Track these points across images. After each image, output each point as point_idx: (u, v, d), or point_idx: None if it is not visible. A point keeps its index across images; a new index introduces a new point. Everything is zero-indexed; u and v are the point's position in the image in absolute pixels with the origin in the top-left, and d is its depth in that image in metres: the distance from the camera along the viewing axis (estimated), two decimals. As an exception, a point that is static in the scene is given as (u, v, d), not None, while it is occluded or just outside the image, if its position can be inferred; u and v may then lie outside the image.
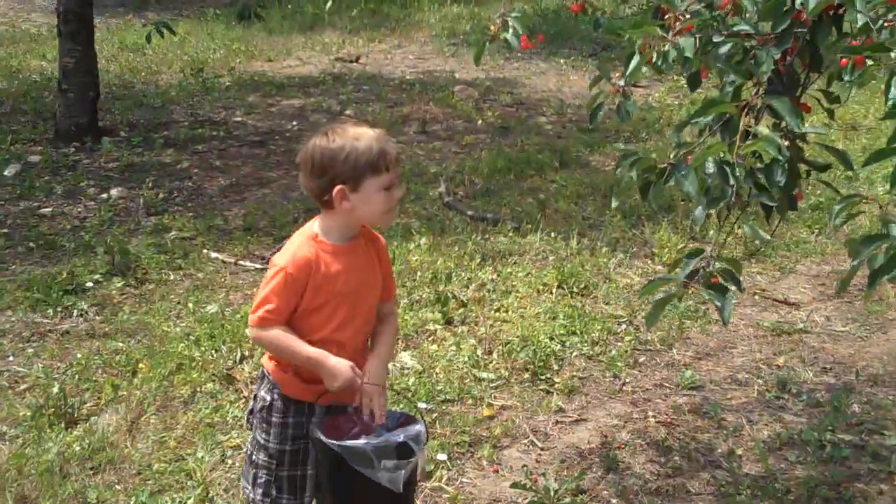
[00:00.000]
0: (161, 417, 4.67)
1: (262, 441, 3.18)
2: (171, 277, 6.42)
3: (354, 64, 13.97)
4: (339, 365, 3.02)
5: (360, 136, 2.98)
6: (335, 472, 2.99)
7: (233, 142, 9.85)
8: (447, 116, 11.10)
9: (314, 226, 3.13)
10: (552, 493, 4.07)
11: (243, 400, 4.79)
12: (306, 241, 3.09)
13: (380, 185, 2.98)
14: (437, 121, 10.89)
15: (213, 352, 5.25)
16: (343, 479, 2.97)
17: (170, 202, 8.03)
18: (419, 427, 3.04)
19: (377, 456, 2.90)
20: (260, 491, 3.20)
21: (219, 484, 4.13)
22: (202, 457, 4.30)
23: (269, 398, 3.16)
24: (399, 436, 2.96)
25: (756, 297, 6.45)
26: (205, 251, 6.86)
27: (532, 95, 12.39)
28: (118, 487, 4.12)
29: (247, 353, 5.23)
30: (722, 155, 2.56)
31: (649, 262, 6.80)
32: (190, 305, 5.90)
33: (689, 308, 5.98)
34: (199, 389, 4.89)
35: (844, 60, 3.00)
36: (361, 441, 2.94)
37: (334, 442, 2.94)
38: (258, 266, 6.61)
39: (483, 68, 13.68)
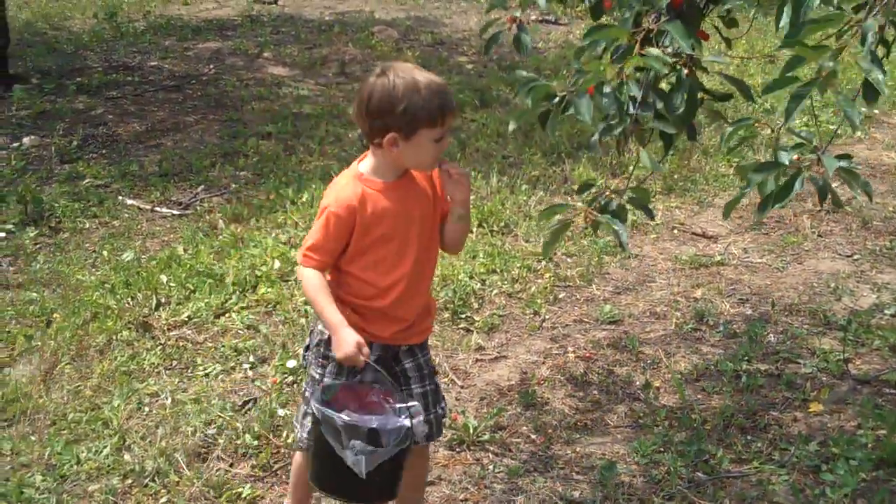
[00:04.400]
0: (76, 367, 4.62)
1: (318, 376, 3.12)
2: (86, 226, 6.33)
3: (273, 5, 13.80)
4: (348, 338, 2.94)
5: (420, 85, 2.86)
6: (319, 435, 2.94)
7: (148, 87, 9.69)
8: (366, 57, 11.01)
9: (359, 165, 3.05)
10: (471, 431, 4.08)
11: (160, 347, 4.75)
12: (351, 180, 3.01)
13: (433, 136, 2.90)
14: (356, 62, 10.80)
15: (130, 300, 5.19)
16: (320, 443, 2.93)
17: (84, 149, 7.88)
18: (403, 423, 2.92)
19: (346, 433, 2.83)
20: (308, 428, 3.16)
21: (136, 432, 4.09)
22: (118, 405, 4.25)
23: (327, 332, 3.07)
24: (374, 422, 2.89)
25: (675, 230, 6.50)
26: (120, 198, 6.77)
27: (453, 35, 12.33)
28: (33, 438, 4.07)
29: (163, 300, 5.18)
30: (603, 71, 2.53)
31: (569, 199, 6.81)
32: (105, 253, 5.83)
33: (609, 243, 6.01)
34: (114, 338, 4.83)
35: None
36: (337, 414, 2.87)
37: (317, 406, 2.89)
38: (175, 212, 6.53)
39: (403, 7, 13.60)
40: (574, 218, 2.77)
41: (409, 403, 3.03)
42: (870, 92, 2.39)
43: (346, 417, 2.87)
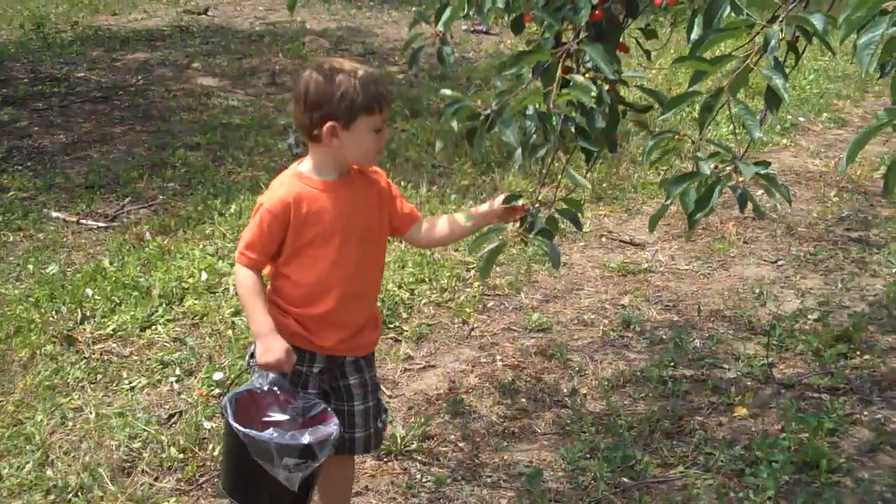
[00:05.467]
0: (-2, 382, 4.56)
1: (258, 384, 3.05)
2: (10, 238, 6.25)
3: (202, 16, 13.71)
4: (276, 344, 2.92)
5: (356, 74, 2.89)
6: (237, 452, 2.90)
7: (74, 98, 9.58)
8: (297, 67, 10.97)
9: (300, 165, 3.05)
10: (399, 440, 4.08)
11: (84, 361, 4.69)
12: (290, 178, 3.01)
13: (371, 125, 2.90)
14: (286, 72, 10.77)
15: (54, 313, 5.12)
16: (243, 461, 2.90)
17: (8, 161, 7.78)
18: (331, 430, 2.92)
19: (279, 453, 2.80)
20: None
21: (59, 447, 4.04)
22: (41, 420, 4.20)
23: None
24: (306, 437, 2.86)
25: (603, 238, 6.56)
26: (45, 211, 6.68)
27: (384, 45, 12.35)
28: (-46, 456, 4.01)
29: (88, 314, 5.12)
30: (536, 105, 2.56)
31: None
32: (30, 267, 5.75)
33: (538, 252, 6.04)
34: (38, 352, 4.76)
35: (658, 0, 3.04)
36: (266, 434, 2.82)
37: (240, 428, 2.83)
38: (101, 224, 6.46)
39: (335, 17, 13.59)
40: (507, 239, 2.79)
41: (314, 402, 3.05)
42: (772, 98, 2.42)
43: (278, 439, 2.83)
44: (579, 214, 2.96)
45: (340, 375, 3.17)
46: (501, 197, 3.04)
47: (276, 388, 3.01)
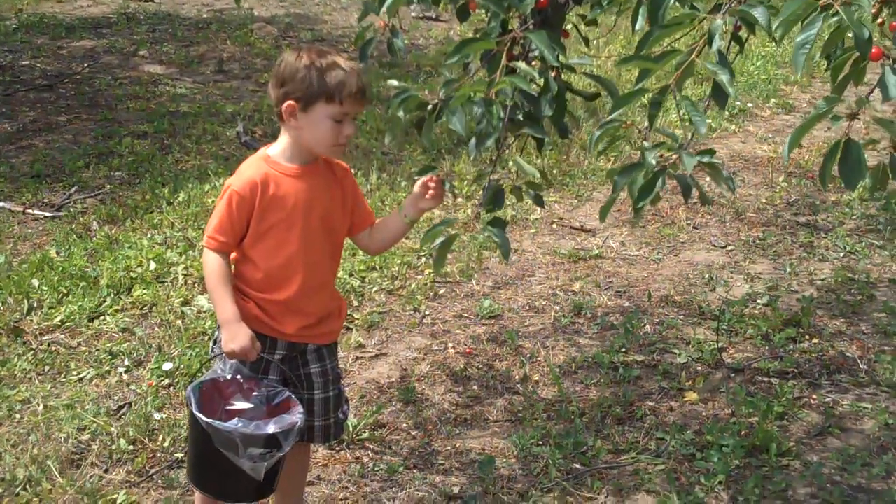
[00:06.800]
0: (-56, 376, 4.49)
1: (220, 370, 3.04)
2: (-45, 229, 6.16)
3: (149, 3, 13.55)
4: (241, 332, 2.93)
5: (326, 60, 2.92)
6: (201, 442, 2.89)
7: (19, 86, 9.41)
8: (245, 55, 10.90)
9: (268, 149, 3.06)
10: (351, 430, 4.07)
11: (31, 352, 4.63)
12: (257, 160, 3.02)
13: (329, 113, 2.90)
14: (234, 59, 10.68)
15: (0, 304, 5.05)
16: (208, 451, 2.89)
17: (-49, 151, 7.66)
18: (295, 419, 2.92)
19: (244, 443, 2.81)
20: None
21: (6, 440, 3.98)
22: (-12, 413, 4.15)
23: None
24: (270, 427, 2.87)
25: (554, 225, 6.57)
26: (-10, 201, 6.59)
27: (333, 32, 12.28)
28: None
29: (35, 304, 5.05)
30: (474, 95, 2.56)
31: (449, 194, 6.80)
32: (-26, 258, 5.67)
33: (489, 239, 6.02)
34: (-16, 344, 4.70)
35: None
36: (231, 425, 2.83)
37: (204, 419, 2.83)
38: (48, 214, 6.37)
39: (283, 4, 13.50)
40: (458, 230, 2.79)
41: (278, 389, 3.05)
42: (719, 94, 2.44)
43: (242, 429, 2.84)
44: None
45: (302, 364, 3.17)
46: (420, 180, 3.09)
47: (238, 376, 3.01)
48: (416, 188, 3.10)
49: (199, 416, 2.84)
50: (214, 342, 3.18)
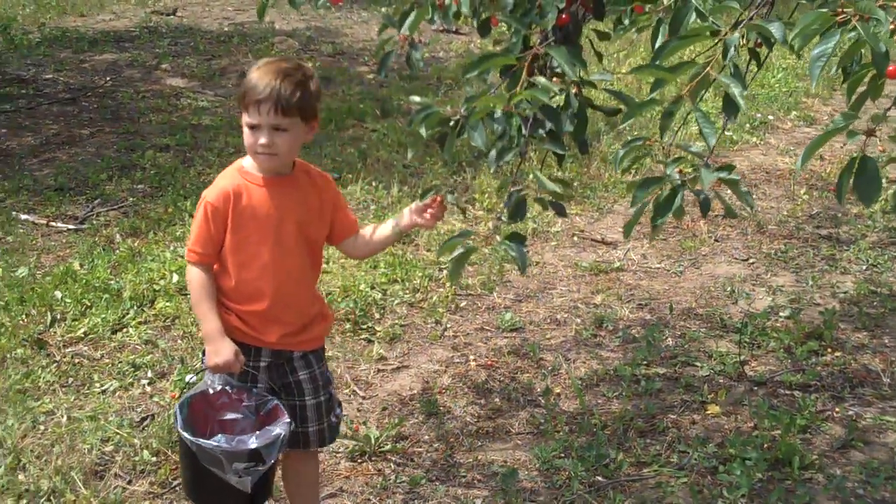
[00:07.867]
0: (-31, 387, 4.51)
1: (209, 381, 3.07)
2: (-21, 242, 6.20)
3: (171, 17, 13.63)
4: (224, 347, 2.97)
5: (256, 67, 2.94)
6: (190, 458, 2.92)
7: (42, 100, 9.48)
8: (267, 68, 10.92)
9: (243, 160, 3.06)
10: (373, 441, 4.08)
11: (55, 364, 4.66)
12: (231, 171, 3.04)
13: (245, 120, 2.93)
14: (256, 72, 10.72)
15: (24, 316, 5.08)
16: (197, 468, 2.90)
17: (-24, 165, 7.71)
18: (278, 431, 2.95)
19: (228, 459, 2.84)
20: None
21: (31, 451, 4.00)
22: (12, 424, 4.16)
23: None
24: (253, 442, 2.90)
25: (575, 237, 6.57)
26: (14, 213, 6.61)
27: (353, 45, 12.32)
28: (-76, 462, 3.97)
29: (59, 317, 5.09)
30: (492, 106, 2.57)
31: (471, 207, 6.84)
32: (-1, 270, 5.71)
33: (506, 252, 6.03)
34: (8, 356, 4.71)
35: (639, 7, 3.04)
36: (213, 443, 2.86)
37: (188, 437, 2.86)
38: (71, 227, 6.41)
39: (304, 18, 13.53)
40: (476, 244, 2.79)
41: (267, 398, 3.08)
42: (730, 106, 2.44)
43: (224, 446, 2.88)
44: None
45: (290, 371, 3.19)
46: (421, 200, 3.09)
47: (228, 388, 3.05)
48: (418, 203, 3.09)
49: (185, 435, 2.88)
50: (203, 353, 3.19)
